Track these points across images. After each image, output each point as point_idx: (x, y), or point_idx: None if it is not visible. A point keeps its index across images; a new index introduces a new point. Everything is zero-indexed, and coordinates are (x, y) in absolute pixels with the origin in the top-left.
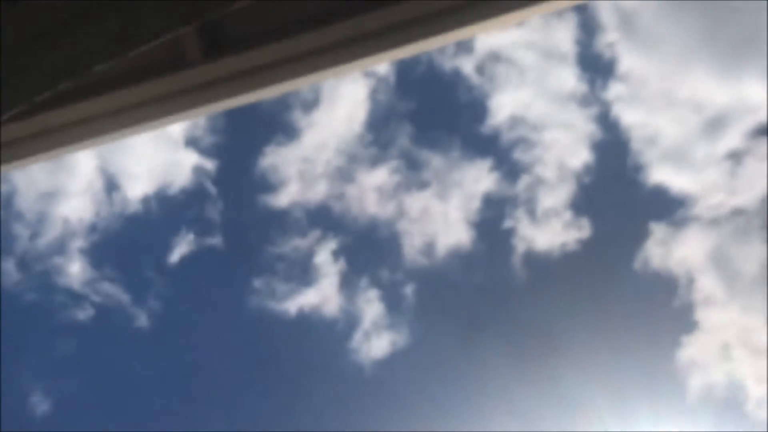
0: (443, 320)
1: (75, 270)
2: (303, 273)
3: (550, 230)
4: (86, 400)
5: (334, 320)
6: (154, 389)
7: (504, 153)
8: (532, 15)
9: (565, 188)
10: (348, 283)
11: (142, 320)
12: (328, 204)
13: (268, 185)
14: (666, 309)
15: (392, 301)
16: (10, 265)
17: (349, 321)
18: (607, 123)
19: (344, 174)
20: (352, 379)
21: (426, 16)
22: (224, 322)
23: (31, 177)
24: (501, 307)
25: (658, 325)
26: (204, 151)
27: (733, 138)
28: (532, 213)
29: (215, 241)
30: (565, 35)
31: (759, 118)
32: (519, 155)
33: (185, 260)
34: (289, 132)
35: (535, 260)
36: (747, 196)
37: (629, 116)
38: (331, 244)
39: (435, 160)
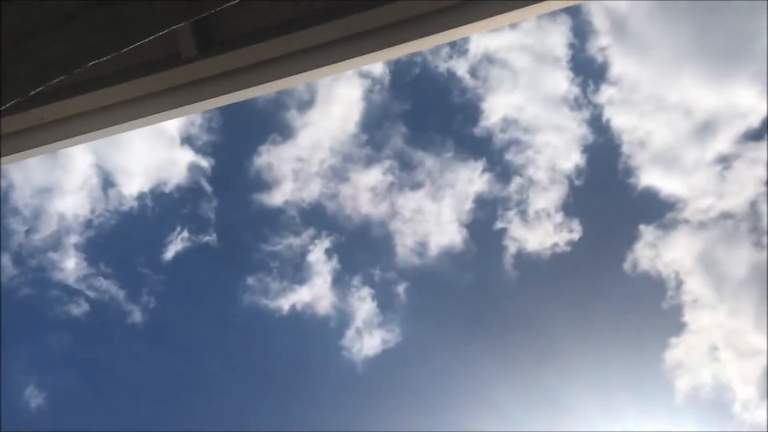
0: (435, 319)
1: (70, 265)
2: (296, 271)
3: (541, 231)
4: (80, 394)
5: (327, 318)
6: (148, 384)
7: (496, 155)
8: (525, 17)
9: (557, 190)
10: (341, 282)
11: (137, 316)
12: (322, 203)
13: (263, 184)
14: (654, 310)
15: (385, 300)
16: (5, 260)
17: (342, 319)
18: (599, 126)
19: (338, 173)
20: (344, 376)
21: (419, 17)
22: (218, 318)
23: (27, 173)
24: (492, 307)
25: (646, 327)
26: (199, 150)
27: (722, 142)
28: (523, 214)
29: (210, 238)
30: (558, 39)
31: (748, 122)
32: (511, 157)
33: (180, 257)
34: (284, 131)
35: (526, 261)
36: (735, 200)
37: (620, 120)
38: (324, 243)
39: (428, 161)
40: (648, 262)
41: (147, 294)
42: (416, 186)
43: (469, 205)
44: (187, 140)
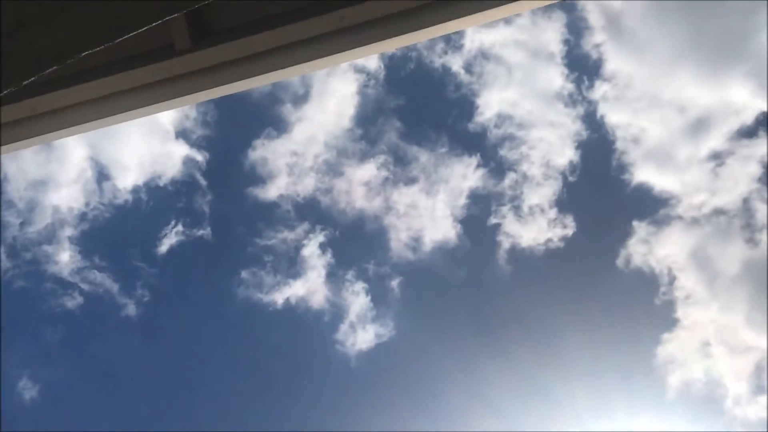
0: (428, 314)
1: (64, 258)
2: (291, 265)
3: (535, 227)
4: (74, 386)
5: (320, 312)
6: (141, 377)
7: (491, 150)
8: (519, 10)
9: (550, 186)
10: (335, 276)
11: (131, 309)
12: (316, 197)
13: (258, 178)
14: (647, 306)
15: (378, 294)
16: None
17: (336, 313)
18: (593, 122)
19: (333, 168)
20: (337, 370)
21: (412, 10)
22: (212, 312)
23: (21, 165)
24: (485, 302)
25: (639, 322)
26: (194, 143)
27: (715, 139)
28: (517, 210)
29: (204, 232)
30: (552, 35)
31: (742, 119)
32: (505, 153)
33: (174, 251)
34: (278, 126)
35: (519, 256)
36: (728, 197)
37: (614, 116)
38: (318, 237)
39: (422, 156)
40: (641, 258)
41: (141, 287)
42: (410, 181)
43: (463, 200)
44: (182, 134)
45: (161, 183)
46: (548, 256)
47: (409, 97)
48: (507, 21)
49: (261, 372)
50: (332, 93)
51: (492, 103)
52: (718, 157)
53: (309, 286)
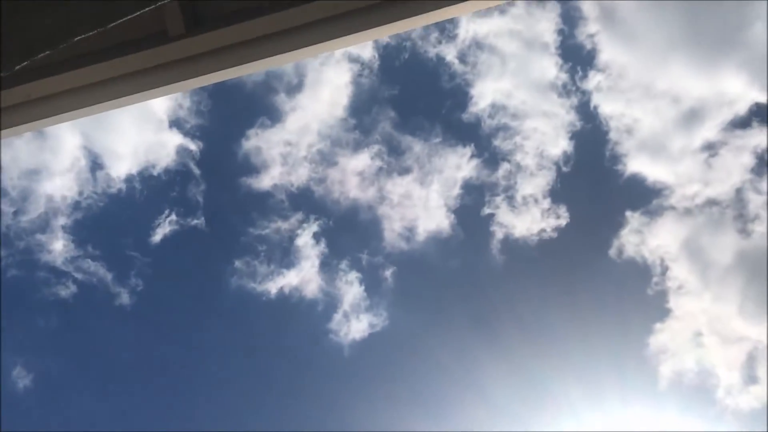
0: (422, 303)
1: (58, 247)
2: (284, 255)
3: (528, 217)
4: (68, 375)
5: (314, 302)
6: (135, 366)
7: (484, 140)
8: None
9: (544, 176)
10: (328, 266)
11: (124, 298)
12: (310, 187)
13: (251, 167)
14: (639, 296)
15: (372, 284)
16: None
17: (330, 302)
18: (587, 113)
19: (326, 158)
20: (331, 360)
21: None
22: (205, 301)
23: (15, 154)
24: (478, 292)
25: (631, 312)
26: (188, 133)
27: (709, 130)
28: (511, 200)
29: (198, 221)
30: (547, 25)
31: (735, 110)
32: (499, 143)
33: (168, 240)
34: (272, 115)
35: (513, 246)
36: (721, 188)
37: (608, 107)
38: (312, 227)
39: (416, 146)
40: (634, 248)
41: (135, 276)
42: (404, 171)
43: (456, 190)
44: (176, 123)
45: (155, 172)
46: (541, 247)
47: (403, 87)
48: (501, 11)
49: (254, 361)
50: (326, 82)
51: (486, 94)
52: (711, 148)
53: (302, 275)
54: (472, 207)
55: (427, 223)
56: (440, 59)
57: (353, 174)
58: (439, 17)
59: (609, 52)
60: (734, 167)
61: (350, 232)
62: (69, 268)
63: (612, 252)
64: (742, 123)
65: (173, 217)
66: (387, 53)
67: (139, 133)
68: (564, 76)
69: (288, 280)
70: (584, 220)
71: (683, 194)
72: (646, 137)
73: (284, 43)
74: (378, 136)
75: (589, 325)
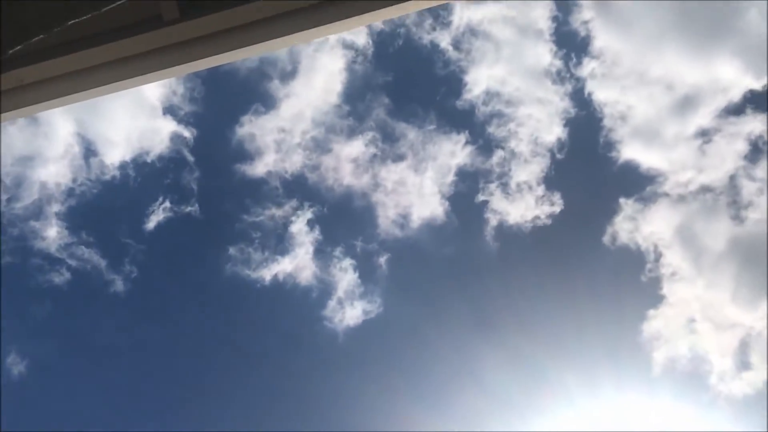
0: (416, 290)
1: (52, 234)
2: (278, 242)
3: (522, 204)
4: (61, 362)
5: (308, 288)
6: (129, 353)
7: (479, 127)
8: None
9: (538, 163)
10: (323, 253)
11: (118, 285)
12: (304, 174)
13: (245, 154)
14: (633, 283)
15: (366, 271)
16: None
17: (324, 289)
18: (581, 100)
19: (321, 145)
20: (325, 346)
21: None
22: (199, 288)
23: (8, 141)
24: (472, 279)
25: (625, 299)
26: (182, 119)
27: (703, 117)
28: (505, 187)
29: (192, 208)
30: (541, 12)
31: (729, 97)
32: (493, 130)
33: (162, 227)
34: (266, 102)
35: (507, 233)
36: (715, 174)
37: (602, 93)
38: (306, 214)
39: (411, 133)
40: (627, 235)
41: (129, 263)
42: (398, 158)
43: (451, 177)
44: (170, 110)
45: (149, 159)
46: (535, 234)
47: (398, 74)
48: None
49: (249, 348)
50: (320, 69)
51: (480, 80)
52: (705, 135)
53: (297, 262)
54: (466, 194)
55: (421, 210)
56: (434, 46)
57: (347, 161)
58: (434, 2)
59: (603, 38)
60: (728, 154)
61: (344, 219)
62: (63, 255)
63: (606, 239)
64: (735, 110)
65: (167, 204)
66: (381, 40)
67: (133, 119)
68: (558, 63)
69: (282, 266)
70: (578, 207)
71: (677, 181)
72: (640, 124)
73: (279, 28)
74: (372, 123)
75: (583, 311)
